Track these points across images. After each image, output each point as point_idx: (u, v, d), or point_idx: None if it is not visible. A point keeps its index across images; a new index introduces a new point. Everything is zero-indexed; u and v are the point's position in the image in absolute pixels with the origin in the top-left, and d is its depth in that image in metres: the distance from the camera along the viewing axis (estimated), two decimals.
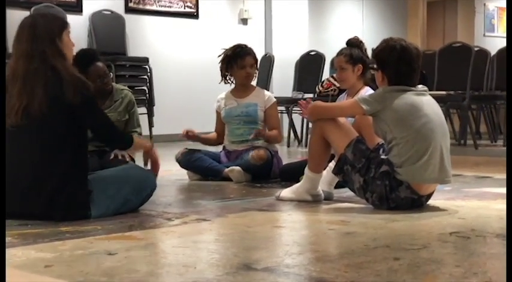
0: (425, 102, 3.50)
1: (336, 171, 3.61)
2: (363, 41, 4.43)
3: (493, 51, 8.27)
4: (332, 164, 3.81)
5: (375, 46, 3.67)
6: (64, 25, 3.30)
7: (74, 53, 3.45)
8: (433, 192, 3.56)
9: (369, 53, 4.12)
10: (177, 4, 9.21)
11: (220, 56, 5.01)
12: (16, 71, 3.19)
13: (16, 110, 3.15)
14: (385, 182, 3.43)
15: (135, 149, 3.51)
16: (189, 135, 4.94)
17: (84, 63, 4.35)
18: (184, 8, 9.28)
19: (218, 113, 5.11)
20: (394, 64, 3.49)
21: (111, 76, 4.58)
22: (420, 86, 3.56)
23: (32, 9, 7.57)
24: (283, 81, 9.23)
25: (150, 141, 7.94)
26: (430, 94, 3.61)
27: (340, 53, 4.37)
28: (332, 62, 8.31)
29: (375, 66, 3.59)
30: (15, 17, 7.94)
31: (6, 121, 3.19)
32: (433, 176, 3.43)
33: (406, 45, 3.51)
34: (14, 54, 3.25)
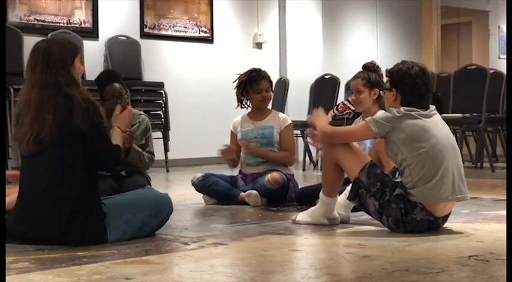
0: (433, 123, 3.50)
1: (352, 197, 3.58)
2: (379, 66, 4.44)
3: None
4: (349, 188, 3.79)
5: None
6: (77, 51, 3.34)
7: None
8: (449, 214, 3.55)
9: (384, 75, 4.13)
10: (192, 29, 9.26)
11: (235, 81, 5.03)
12: (29, 100, 3.21)
13: (27, 139, 3.17)
14: (400, 205, 3.41)
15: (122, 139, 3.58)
16: (226, 152, 4.87)
17: (103, 82, 4.47)
18: (199, 33, 9.33)
19: (233, 134, 5.10)
20: (411, 82, 3.50)
21: (127, 99, 4.59)
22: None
23: (49, 35, 7.63)
24: (298, 105, 9.24)
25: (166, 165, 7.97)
26: (445, 117, 3.61)
27: (357, 76, 4.38)
28: (347, 85, 8.32)
29: (387, 85, 3.59)
30: (32, 43, 8.06)
31: (19, 146, 3.21)
32: (446, 195, 3.42)
33: (423, 66, 3.57)
34: (27, 82, 3.26)
